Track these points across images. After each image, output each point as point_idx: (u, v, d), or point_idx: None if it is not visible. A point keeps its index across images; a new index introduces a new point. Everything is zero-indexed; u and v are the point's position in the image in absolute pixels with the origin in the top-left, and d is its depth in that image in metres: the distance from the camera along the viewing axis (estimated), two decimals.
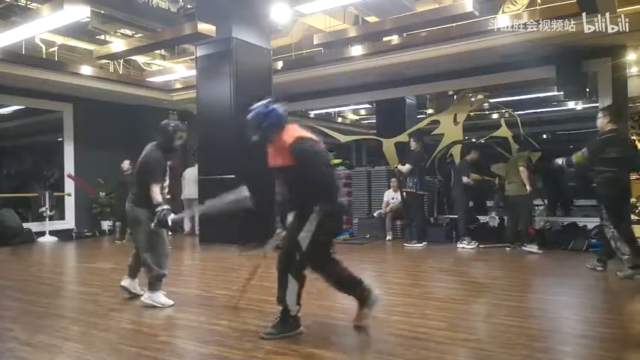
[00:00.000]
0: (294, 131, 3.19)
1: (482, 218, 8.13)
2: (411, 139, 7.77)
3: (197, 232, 9.67)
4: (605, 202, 5.05)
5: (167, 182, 4.25)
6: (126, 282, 4.46)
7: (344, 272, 3.34)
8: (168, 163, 4.27)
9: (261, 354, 2.90)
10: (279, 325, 3.25)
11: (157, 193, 3.98)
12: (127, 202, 4.28)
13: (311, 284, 3.37)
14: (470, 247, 7.03)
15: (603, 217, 5.08)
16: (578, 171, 5.19)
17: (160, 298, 4.14)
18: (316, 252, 3.17)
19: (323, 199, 3.10)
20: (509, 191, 6.98)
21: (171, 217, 3.94)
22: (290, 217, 3.36)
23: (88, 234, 9.90)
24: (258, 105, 3.25)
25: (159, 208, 3.89)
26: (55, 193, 9.62)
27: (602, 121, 5.20)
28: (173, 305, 4.09)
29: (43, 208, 9.34)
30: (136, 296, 4.36)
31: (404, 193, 7.79)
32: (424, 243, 7.47)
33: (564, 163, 5.48)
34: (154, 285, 4.14)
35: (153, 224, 3.94)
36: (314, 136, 3.26)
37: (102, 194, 10.22)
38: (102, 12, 8.48)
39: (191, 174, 9.63)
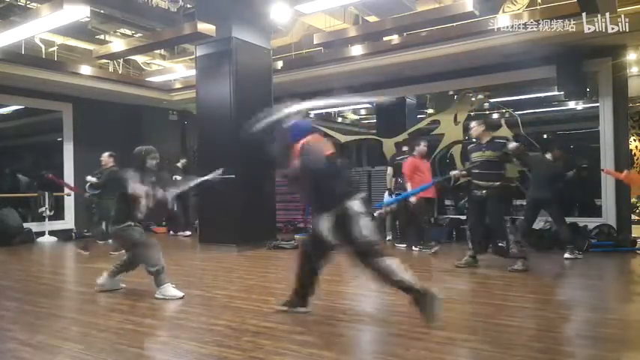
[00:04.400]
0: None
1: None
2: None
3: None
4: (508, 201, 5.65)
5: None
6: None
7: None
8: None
9: (261, 354, 2.90)
10: (420, 305, 3.25)
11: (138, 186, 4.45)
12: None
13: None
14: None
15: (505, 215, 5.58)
16: None
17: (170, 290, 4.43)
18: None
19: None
20: None
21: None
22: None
23: (87, 234, 9.88)
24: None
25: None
26: (54, 193, 9.61)
27: (477, 130, 5.61)
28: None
29: (43, 208, 9.34)
30: (135, 295, 4.35)
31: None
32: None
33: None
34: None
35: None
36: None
37: None
38: (101, 12, 8.46)
39: None
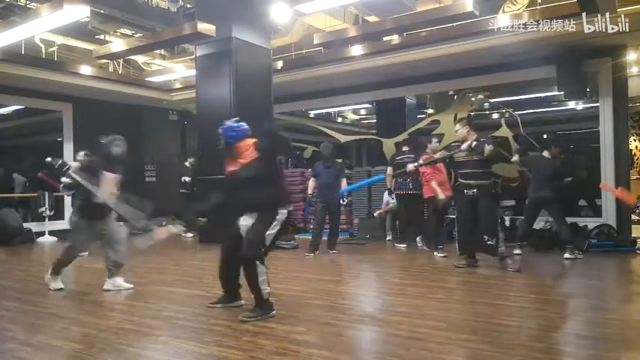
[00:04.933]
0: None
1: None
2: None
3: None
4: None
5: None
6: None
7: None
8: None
9: (261, 354, 2.90)
10: (256, 309, 3.65)
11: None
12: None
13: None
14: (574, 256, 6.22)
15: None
16: None
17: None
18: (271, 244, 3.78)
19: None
20: None
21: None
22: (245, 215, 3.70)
23: None
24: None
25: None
26: (54, 193, 9.60)
27: (462, 132, 5.60)
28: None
29: (43, 208, 9.33)
30: (135, 295, 4.36)
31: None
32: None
33: None
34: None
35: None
36: None
37: None
38: (101, 12, 8.47)
39: None
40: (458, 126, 5.76)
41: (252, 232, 3.62)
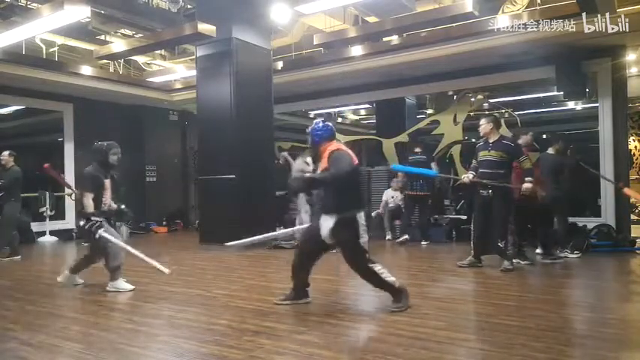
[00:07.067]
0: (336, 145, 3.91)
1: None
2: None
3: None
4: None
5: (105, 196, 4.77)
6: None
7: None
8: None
9: (262, 354, 2.90)
10: (397, 300, 3.80)
11: (88, 203, 4.56)
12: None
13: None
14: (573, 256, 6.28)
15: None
16: None
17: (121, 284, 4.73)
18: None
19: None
20: None
21: (100, 231, 4.55)
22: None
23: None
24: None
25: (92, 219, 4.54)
26: (55, 193, 9.60)
27: (485, 128, 5.51)
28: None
29: (44, 208, 9.33)
30: (135, 295, 4.36)
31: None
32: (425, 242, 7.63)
33: None
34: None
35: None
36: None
37: None
38: (102, 12, 8.47)
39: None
40: (483, 121, 5.59)
41: (348, 249, 3.78)
